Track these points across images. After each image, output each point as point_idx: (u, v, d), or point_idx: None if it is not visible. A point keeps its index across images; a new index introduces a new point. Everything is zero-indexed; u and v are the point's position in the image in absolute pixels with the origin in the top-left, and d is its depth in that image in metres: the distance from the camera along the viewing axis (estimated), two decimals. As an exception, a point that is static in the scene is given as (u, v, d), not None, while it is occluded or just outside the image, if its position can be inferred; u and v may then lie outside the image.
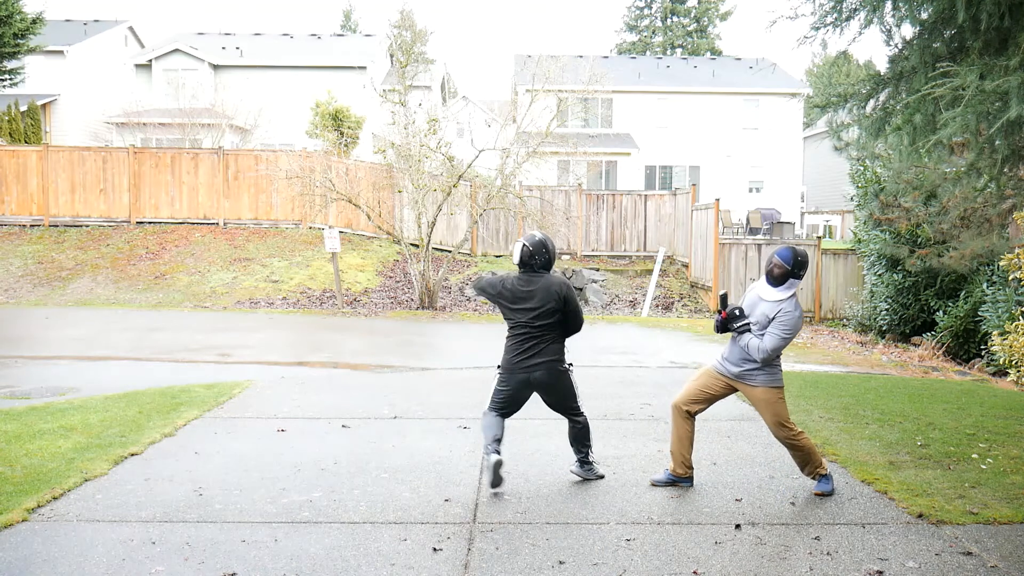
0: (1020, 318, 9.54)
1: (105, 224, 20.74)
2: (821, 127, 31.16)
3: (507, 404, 5.48)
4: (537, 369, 5.36)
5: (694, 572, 4.23)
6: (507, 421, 5.60)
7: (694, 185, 21.82)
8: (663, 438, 6.63)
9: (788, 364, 11.09)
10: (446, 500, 5.26)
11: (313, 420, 7.34)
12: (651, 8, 54.47)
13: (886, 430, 7.10)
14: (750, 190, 34.17)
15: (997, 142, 5.39)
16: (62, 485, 5.37)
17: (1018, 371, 8.79)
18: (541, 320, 5.35)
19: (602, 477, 5.72)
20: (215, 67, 32.98)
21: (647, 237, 21.31)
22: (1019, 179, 7.64)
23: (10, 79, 26.36)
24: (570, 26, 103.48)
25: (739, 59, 38.73)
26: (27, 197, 20.73)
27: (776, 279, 5.28)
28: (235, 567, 4.24)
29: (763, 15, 45.95)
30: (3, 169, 20.66)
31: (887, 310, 14.66)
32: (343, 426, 7.10)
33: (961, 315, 12.80)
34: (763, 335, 5.24)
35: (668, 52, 52.76)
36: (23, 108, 26.28)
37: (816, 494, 5.41)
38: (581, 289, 18.79)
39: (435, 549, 4.49)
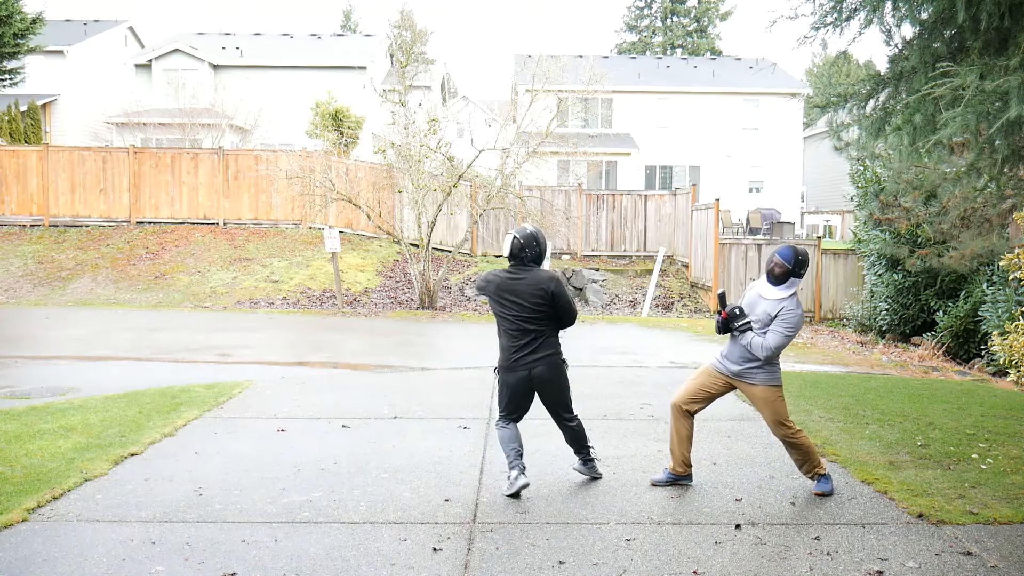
0: (1020, 318, 9.54)
1: (105, 224, 20.74)
2: (821, 127, 31.17)
3: (515, 406, 5.40)
4: (537, 364, 5.29)
5: (694, 572, 4.23)
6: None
7: (694, 185, 21.82)
8: (663, 438, 6.63)
9: (788, 364, 11.09)
10: (446, 500, 5.26)
11: (313, 420, 7.34)
12: (651, 8, 54.46)
13: (886, 430, 7.10)
14: (750, 190, 34.17)
15: (997, 142, 5.39)
16: (62, 485, 5.37)
17: (1018, 371, 8.79)
18: (530, 314, 5.25)
19: (600, 476, 5.72)
20: (215, 67, 32.98)
21: (647, 237, 21.31)
22: (1019, 179, 7.64)
23: (10, 79, 26.35)
24: (570, 26, 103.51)
25: (739, 59, 38.73)
26: (27, 197, 20.74)
27: (777, 278, 5.28)
28: (235, 567, 4.24)
29: (763, 15, 45.96)
30: (3, 169, 20.67)
31: (887, 310, 14.66)
32: (343, 426, 7.10)
33: (961, 315, 12.80)
34: (765, 333, 5.25)
35: (668, 52, 52.76)
36: (23, 108, 26.28)
37: (816, 494, 5.41)
38: (581, 289, 18.79)
39: (435, 549, 4.49)
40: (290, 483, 5.55)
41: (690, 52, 52.25)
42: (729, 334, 5.43)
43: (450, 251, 18.60)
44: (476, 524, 4.87)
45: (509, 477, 5.31)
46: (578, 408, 7.72)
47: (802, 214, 35.07)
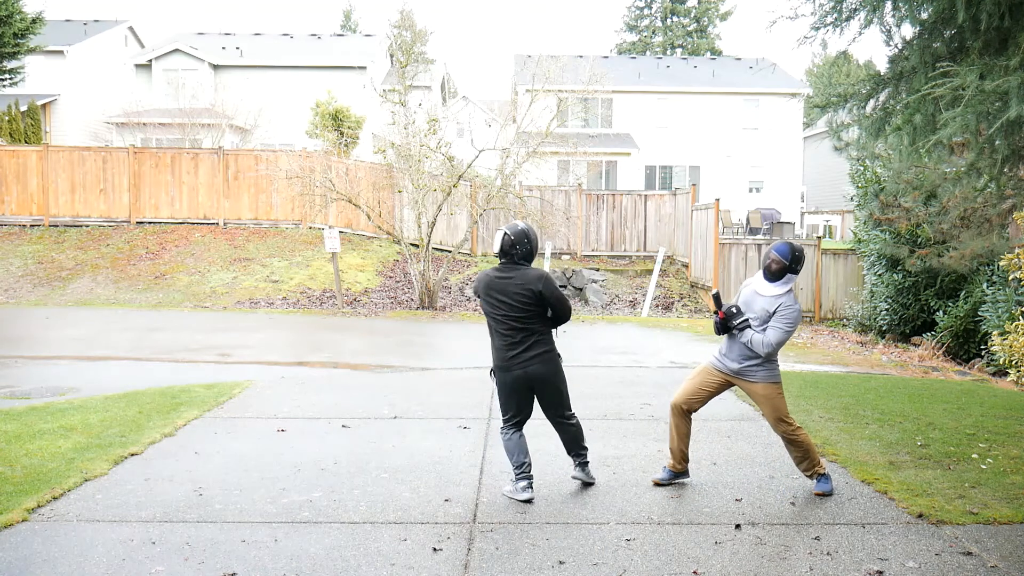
0: (1020, 318, 9.54)
1: (105, 224, 20.74)
2: (821, 127, 31.17)
3: (515, 408, 5.29)
4: (532, 363, 5.19)
5: (694, 572, 4.23)
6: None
7: (694, 185, 21.82)
8: (663, 438, 6.63)
9: (788, 364, 11.09)
10: (446, 500, 5.26)
11: (313, 420, 7.34)
12: (651, 8, 54.47)
13: (886, 430, 7.10)
14: (750, 190, 34.17)
15: (997, 142, 5.39)
16: (62, 485, 5.37)
17: (1018, 371, 8.79)
18: (519, 314, 5.16)
19: (593, 482, 5.60)
20: (215, 67, 32.98)
21: (647, 237, 21.31)
22: (1019, 179, 7.64)
23: (10, 79, 26.35)
24: (570, 26, 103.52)
25: (739, 59, 38.73)
26: (27, 197, 20.74)
27: (774, 274, 5.30)
28: (235, 567, 4.24)
29: (763, 15, 45.97)
30: (3, 169, 20.67)
31: (887, 310, 14.66)
32: (343, 426, 7.10)
33: (961, 315, 12.80)
34: (765, 330, 5.26)
35: (668, 52, 52.76)
36: (23, 108, 26.28)
37: (816, 494, 5.41)
38: (581, 289, 18.79)
39: (435, 549, 4.49)
40: (290, 483, 5.55)
41: (690, 52, 52.25)
42: (727, 333, 5.43)
43: (450, 251, 18.60)
44: (476, 524, 4.87)
45: (516, 487, 5.27)
46: (578, 408, 7.72)
47: (802, 214, 35.08)
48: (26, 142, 24.91)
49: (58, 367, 10.28)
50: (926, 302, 14.03)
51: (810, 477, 5.47)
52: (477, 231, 20.58)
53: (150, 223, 20.79)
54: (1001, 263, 9.16)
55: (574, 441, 5.49)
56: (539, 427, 6.83)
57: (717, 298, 5.40)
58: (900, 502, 5.27)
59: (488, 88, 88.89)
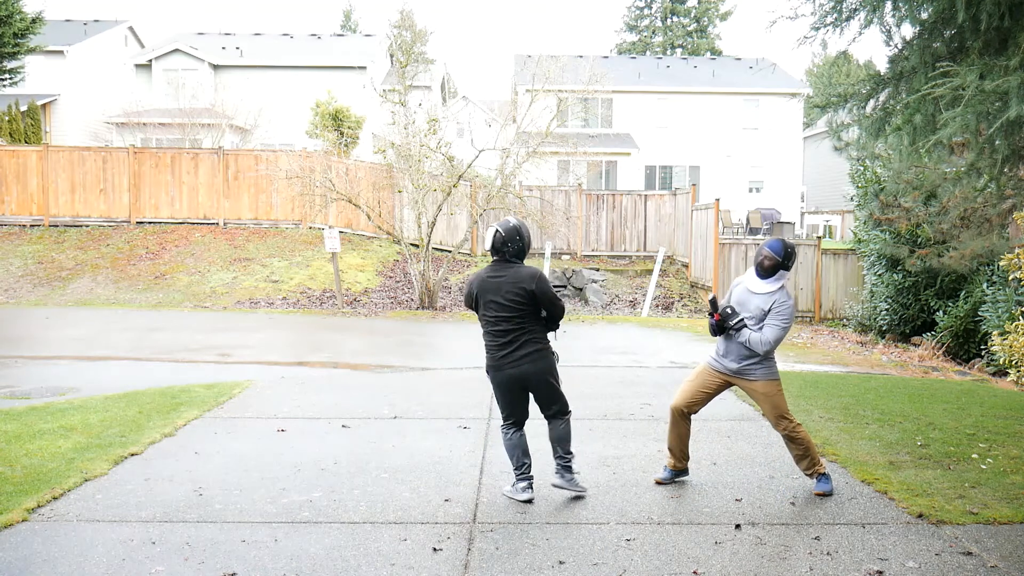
0: (1020, 318, 9.54)
1: (105, 224, 20.74)
2: (821, 127, 31.16)
3: (510, 408, 5.25)
4: (524, 362, 5.10)
5: (694, 572, 4.23)
6: None
7: (694, 185, 21.82)
8: (663, 438, 6.62)
9: (788, 364, 11.09)
10: (446, 500, 5.26)
11: (313, 420, 7.34)
12: (651, 8, 54.46)
13: (886, 430, 7.10)
14: (750, 190, 34.17)
15: (997, 142, 5.39)
16: (62, 485, 5.37)
17: (1018, 371, 8.79)
18: (511, 313, 5.07)
19: (583, 492, 5.32)
20: (215, 67, 32.98)
21: (647, 237, 21.31)
22: (1019, 179, 7.64)
23: (10, 79, 26.34)
24: (570, 26, 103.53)
25: (739, 59, 38.73)
26: (27, 197, 20.74)
27: (767, 271, 5.32)
28: (235, 567, 4.24)
29: (763, 15, 45.97)
30: (3, 169, 20.67)
31: (887, 310, 14.66)
32: (343, 426, 7.10)
33: (961, 315, 12.80)
34: (761, 328, 5.27)
35: (668, 52, 52.77)
36: (23, 108, 26.28)
37: (816, 494, 5.41)
38: (581, 289, 18.79)
39: (435, 549, 4.48)
40: (290, 483, 5.55)
41: (690, 52, 52.25)
42: (723, 334, 5.44)
43: (450, 251, 18.60)
44: (476, 524, 4.87)
45: (516, 487, 5.26)
46: (578, 408, 7.75)
47: (802, 214, 35.08)
48: (26, 142, 24.91)
49: (58, 367, 10.28)
50: (926, 302, 14.03)
51: (810, 476, 5.47)
52: (477, 231, 20.58)
53: (150, 223, 20.79)
54: (1001, 263, 9.16)
55: (561, 440, 5.28)
56: (540, 427, 6.82)
57: (714, 302, 5.40)
58: (900, 502, 5.27)
59: (488, 88, 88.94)
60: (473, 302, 5.29)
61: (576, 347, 11.84)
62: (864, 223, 15.71)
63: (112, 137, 29.90)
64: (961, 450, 6.47)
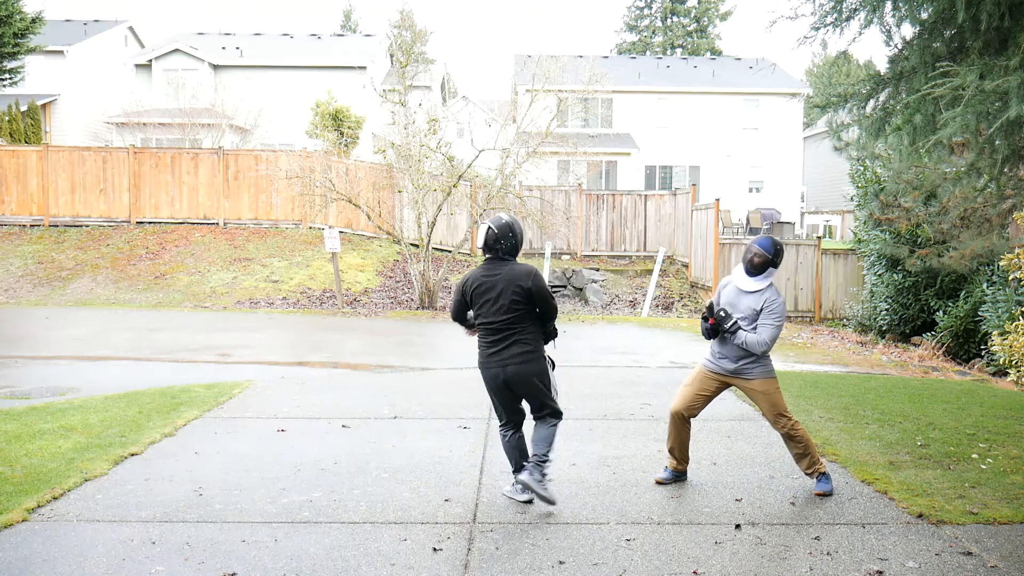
0: (1020, 318, 9.54)
1: (105, 224, 20.74)
2: (821, 127, 31.17)
3: (502, 408, 5.18)
4: (511, 362, 4.98)
5: (694, 572, 4.23)
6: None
7: (694, 185, 21.82)
8: (663, 438, 6.62)
9: (788, 364, 11.10)
10: (446, 500, 5.26)
11: (313, 420, 7.34)
12: (651, 8, 54.47)
13: (886, 430, 7.10)
14: (750, 190, 34.17)
15: (997, 142, 5.39)
16: (62, 485, 5.37)
17: (1018, 371, 8.79)
18: (507, 313, 4.97)
19: (552, 503, 5.06)
20: (215, 67, 32.98)
21: (647, 237, 21.31)
22: (1019, 179, 7.63)
23: (10, 79, 26.35)
24: (570, 26, 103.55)
25: (739, 59, 38.74)
26: (27, 197, 20.74)
27: (756, 268, 5.33)
28: (235, 567, 4.24)
29: (763, 15, 45.98)
30: (3, 169, 20.67)
31: (887, 310, 14.66)
32: (343, 426, 7.10)
33: (961, 315, 12.80)
34: (755, 328, 5.28)
35: (668, 52, 52.77)
36: (23, 108, 26.28)
37: (816, 494, 5.41)
38: (581, 289, 18.79)
39: (435, 549, 4.48)
40: (290, 483, 5.55)
41: (690, 52, 52.26)
42: (717, 337, 5.45)
43: (450, 251, 18.60)
44: (476, 524, 4.87)
45: (516, 487, 5.25)
46: (578, 408, 7.76)
47: (802, 214, 35.08)
48: (26, 142, 24.91)
49: (58, 367, 10.28)
50: (926, 302, 14.03)
51: (810, 476, 5.47)
52: (477, 231, 20.56)
53: (150, 223, 20.79)
54: (1001, 263, 9.16)
55: (542, 440, 5.09)
56: (539, 427, 6.82)
57: (711, 307, 5.40)
58: (900, 502, 5.27)
59: (488, 88, 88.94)
60: (466, 303, 5.16)
61: (576, 347, 11.84)
62: (864, 223, 15.71)
63: (112, 137, 29.90)
64: (961, 450, 6.47)
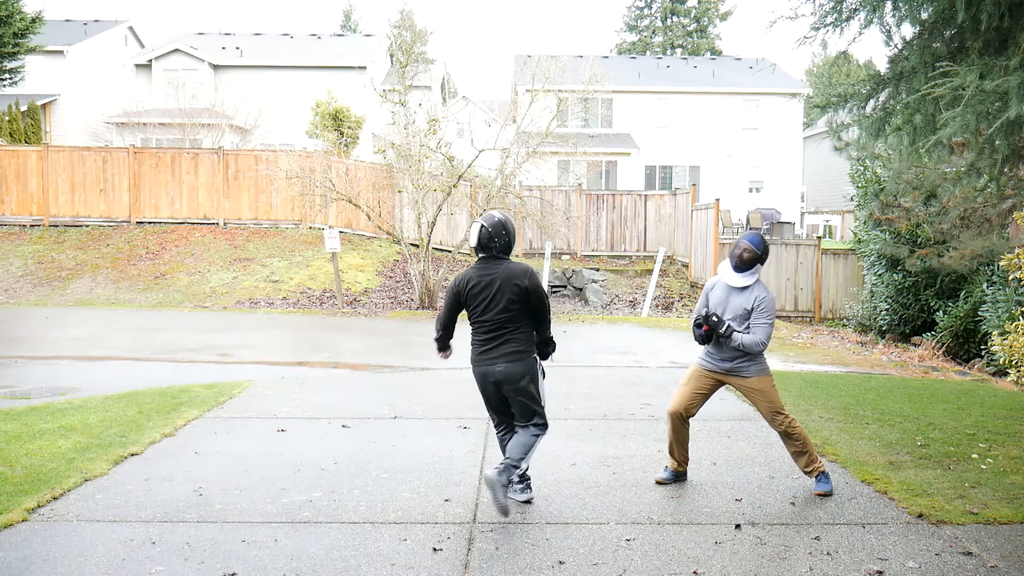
0: (1020, 318, 9.54)
1: (105, 224, 20.74)
2: (821, 127, 31.17)
3: (491, 408, 5.16)
4: (500, 361, 4.93)
5: (694, 572, 4.23)
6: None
7: (694, 185, 21.83)
8: (663, 438, 6.62)
9: (788, 364, 11.10)
10: (446, 500, 5.26)
11: (313, 420, 7.34)
12: (651, 8, 54.48)
13: (886, 430, 7.10)
14: (750, 190, 34.17)
15: (997, 142, 5.38)
16: (62, 485, 5.37)
17: (1018, 371, 8.79)
18: (504, 312, 4.92)
19: (506, 514, 4.82)
20: (215, 67, 32.98)
21: (647, 237, 21.31)
22: (1019, 179, 7.63)
23: (10, 79, 26.34)
24: (570, 26, 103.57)
25: (739, 59, 38.74)
26: (27, 197, 20.74)
27: (745, 263, 5.34)
28: (235, 567, 4.24)
29: (763, 15, 45.97)
30: (3, 169, 20.67)
31: (887, 310, 14.66)
32: (343, 426, 7.10)
33: (961, 315, 12.80)
34: (748, 328, 5.29)
35: (668, 52, 52.78)
36: (23, 108, 26.28)
37: (816, 494, 5.41)
38: (581, 289, 18.80)
39: (435, 549, 4.48)
40: (290, 483, 5.55)
41: (690, 52, 52.27)
42: (710, 342, 5.46)
43: (450, 251, 18.60)
44: (476, 524, 4.87)
45: (515, 488, 5.24)
46: (578, 408, 7.76)
47: (802, 214, 35.08)
48: (26, 142, 24.91)
49: (58, 367, 10.28)
50: (926, 302, 14.03)
51: (809, 474, 5.47)
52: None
53: (150, 223, 20.79)
54: (1001, 263, 9.16)
55: (521, 447, 4.94)
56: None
57: (708, 317, 5.38)
58: (900, 502, 5.27)
59: (488, 88, 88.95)
60: (459, 303, 5.10)
61: (576, 347, 11.84)
62: (864, 223, 15.71)
63: (112, 137, 29.90)
64: (961, 450, 6.47)
